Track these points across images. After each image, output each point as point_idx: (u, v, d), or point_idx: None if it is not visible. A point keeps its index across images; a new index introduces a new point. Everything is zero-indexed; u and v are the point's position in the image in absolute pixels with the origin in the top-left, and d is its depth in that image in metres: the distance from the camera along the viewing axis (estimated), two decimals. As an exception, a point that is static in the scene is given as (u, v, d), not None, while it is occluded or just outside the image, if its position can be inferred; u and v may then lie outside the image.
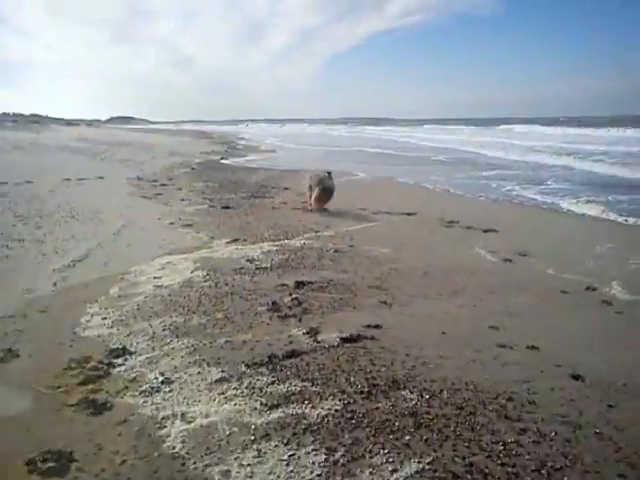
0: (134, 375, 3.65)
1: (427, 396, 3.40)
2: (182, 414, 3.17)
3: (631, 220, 9.92)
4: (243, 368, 3.74)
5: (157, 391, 3.44)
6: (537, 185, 15.12)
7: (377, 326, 4.55)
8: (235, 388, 3.48)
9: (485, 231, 8.70)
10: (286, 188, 13.60)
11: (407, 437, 2.97)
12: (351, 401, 3.33)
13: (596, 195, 12.94)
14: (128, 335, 4.28)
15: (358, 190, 13.87)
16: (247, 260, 6.40)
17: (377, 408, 3.25)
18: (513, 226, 9.32)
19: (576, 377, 3.76)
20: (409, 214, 10.21)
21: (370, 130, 73.26)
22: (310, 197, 10.58)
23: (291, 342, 4.19)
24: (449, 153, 28.74)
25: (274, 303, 5.00)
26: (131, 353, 3.97)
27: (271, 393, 3.42)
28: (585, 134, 44.70)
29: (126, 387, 3.49)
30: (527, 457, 2.82)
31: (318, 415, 3.17)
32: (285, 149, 34.02)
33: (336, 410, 3.22)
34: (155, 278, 5.71)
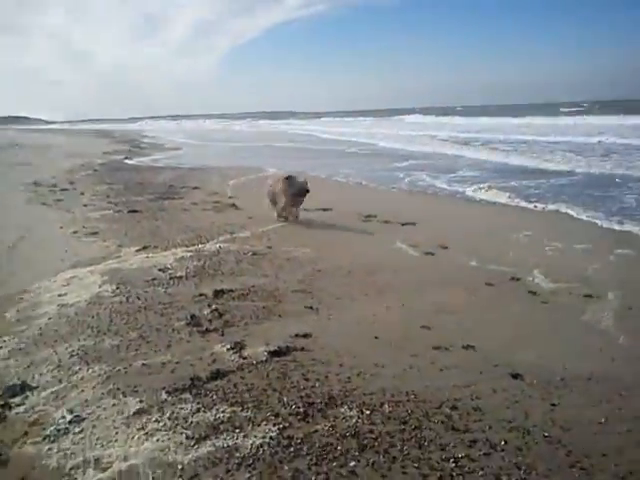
0: (36, 416, 3.18)
1: (367, 412, 3.18)
2: (96, 460, 2.77)
3: (540, 206, 10.19)
4: (164, 395, 3.37)
5: (65, 433, 3.00)
6: (445, 174, 15.33)
7: (306, 335, 4.28)
8: (156, 420, 3.11)
9: (403, 224, 8.62)
10: (196, 187, 13.06)
11: (352, 463, 2.72)
12: (287, 425, 3.05)
13: (502, 182, 13.29)
14: (29, 366, 3.79)
15: (271, 187, 13.51)
16: (159, 269, 5.96)
17: (316, 431, 2.99)
18: (429, 218, 9.30)
19: (515, 376, 3.67)
20: (325, 210, 10.00)
21: (274, 124, 72.99)
22: (276, 206, 9.21)
23: (215, 361, 3.85)
24: (353, 146, 28.84)
25: (193, 317, 4.62)
26: (32, 389, 3.49)
27: (197, 423, 3.08)
28: (483, 123, 46.36)
29: (26, 433, 3.02)
30: (481, 473, 2.65)
31: (252, 445, 2.87)
32: (190, 146, 33.03)
33: (271, 437, 2.93)
34: (59, 296, 5.18)
